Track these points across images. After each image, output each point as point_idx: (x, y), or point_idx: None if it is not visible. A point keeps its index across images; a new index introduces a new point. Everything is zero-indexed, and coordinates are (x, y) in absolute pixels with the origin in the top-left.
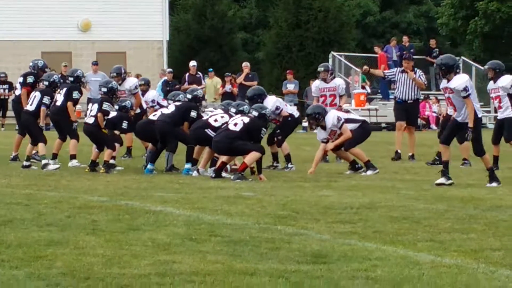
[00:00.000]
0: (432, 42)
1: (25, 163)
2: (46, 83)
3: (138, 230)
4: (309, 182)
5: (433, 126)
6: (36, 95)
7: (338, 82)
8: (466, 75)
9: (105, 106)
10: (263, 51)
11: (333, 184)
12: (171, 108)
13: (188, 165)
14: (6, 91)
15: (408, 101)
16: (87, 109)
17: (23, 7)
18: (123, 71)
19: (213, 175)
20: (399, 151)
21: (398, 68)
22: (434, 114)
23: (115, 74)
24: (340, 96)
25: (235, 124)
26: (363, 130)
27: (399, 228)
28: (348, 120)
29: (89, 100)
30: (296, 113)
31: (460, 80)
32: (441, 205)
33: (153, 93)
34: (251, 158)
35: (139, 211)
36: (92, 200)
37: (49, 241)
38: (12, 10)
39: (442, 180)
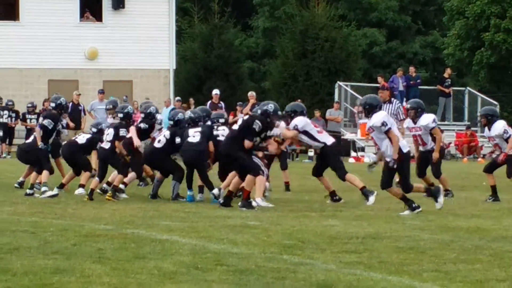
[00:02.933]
0: (448, 72)
1: (28, 191)
2: (53, 104)
3: (144, 258)
4: (315, 212)
5: None
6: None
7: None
8: (384, 112)
9: (122, 132)
10: (270, 80)
11: (339, 213)
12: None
13: (190, 192)
14: (13, 119)
15: None
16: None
17: (30, 35)
18: (118, 103)
19: (221, 202)
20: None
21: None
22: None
23: (111, 107)
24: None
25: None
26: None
27: (405, 258)
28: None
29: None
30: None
31: (378, 117)
32: (447, 236)
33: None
34: (249, 183)
35: (145, 240)
36: (98, 228)
37: (55, 269)
38: (19, 38)
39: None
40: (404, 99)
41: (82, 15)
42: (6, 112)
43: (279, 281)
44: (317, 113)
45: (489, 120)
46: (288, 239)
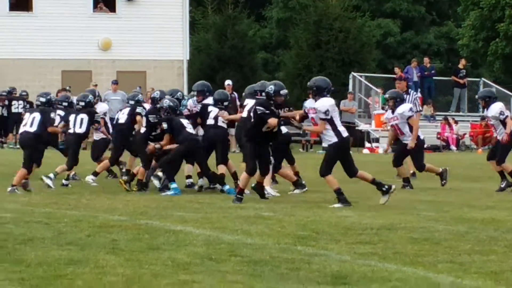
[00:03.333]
0: (462, 63)
1: (64, 181)
2: (82, 103)
3: (158, 249)
4: (329, 203)
5: (452, 147)
6: (83, 117)
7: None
8: (332, 100)
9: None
10: (283, 71)
11: (353, 204)
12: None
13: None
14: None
15: None
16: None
17: (43, 26)
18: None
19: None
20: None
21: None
22: (454, 136)
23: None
24: None
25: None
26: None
27: (419, 249)
28: None
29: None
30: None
31: (325, 102)
32: (461, 227)
33: (103, 106)
34: (243, 181)
35: (159, 231)
36: (112, 219)
37: (69, 260)
38: (32, 29)
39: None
40: (419, 90)
41: (95, 6)
42: (21, 102)
43: (293, 272)
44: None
45: (487, 102)
46: (302, 230)
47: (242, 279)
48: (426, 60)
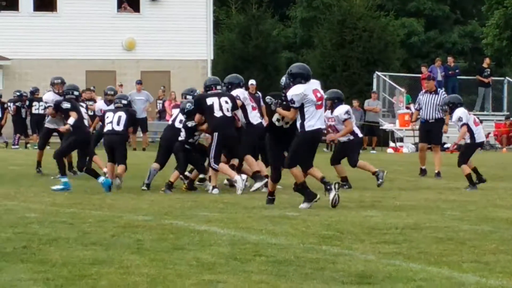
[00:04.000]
0: (486, 62)
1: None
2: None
3: (182, 249)
4: (353, 202)
5: None
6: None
7: None
8: (302, 88)
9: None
10: None
11: (378, 204)
12: None
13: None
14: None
15: (430, 121)
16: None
17: (67, 26)
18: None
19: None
20: (423, 167)
21: (423, 90)
22: None
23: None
24: None
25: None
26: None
27: (444, 249)
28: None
29: None
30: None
31: (294, 91)
32: (486, 226)
33: (101, 103)
34: (269, 186)
35: (183, 231)
36: (136, 219)
37: (94, 260)
38: (56, 29)
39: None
40: (443, 89)
41: (119, 6)
42: (41, 103)
43: (318, 272)
44: (355, 103)
45: (451, 107)
46: (326, 230)
47: (266, 279)
48: (450, 59)
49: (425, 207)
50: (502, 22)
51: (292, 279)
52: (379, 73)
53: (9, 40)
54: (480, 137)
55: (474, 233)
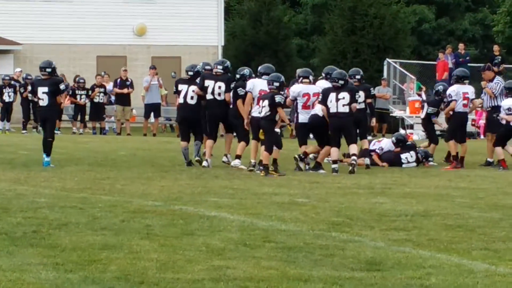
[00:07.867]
0: (496, 49)
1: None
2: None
3: (192, 235)
4: (363, 189)
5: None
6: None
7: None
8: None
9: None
10: (318, 57)
11: (387, 191)
12: None
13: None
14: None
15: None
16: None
17: (78, 11)
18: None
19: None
20: (490, 160)
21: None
22: None
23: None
24: None
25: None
26: None
27: (454, 236)
28: None
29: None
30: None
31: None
32: (496, 214)
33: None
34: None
35: (193, 216)
36: (146, 204)
37: (104, 245)
38: (67, 14)
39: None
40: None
41: None
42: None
43: (328, 258)
44: None
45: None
46: (336, 216)
47: (276, 265)
48: (461, 46)
49: (435, 194)
50: None
51: (302, 266)
52: (389, 60)
53: (20, 25)
54: None
55: (483, 220)
